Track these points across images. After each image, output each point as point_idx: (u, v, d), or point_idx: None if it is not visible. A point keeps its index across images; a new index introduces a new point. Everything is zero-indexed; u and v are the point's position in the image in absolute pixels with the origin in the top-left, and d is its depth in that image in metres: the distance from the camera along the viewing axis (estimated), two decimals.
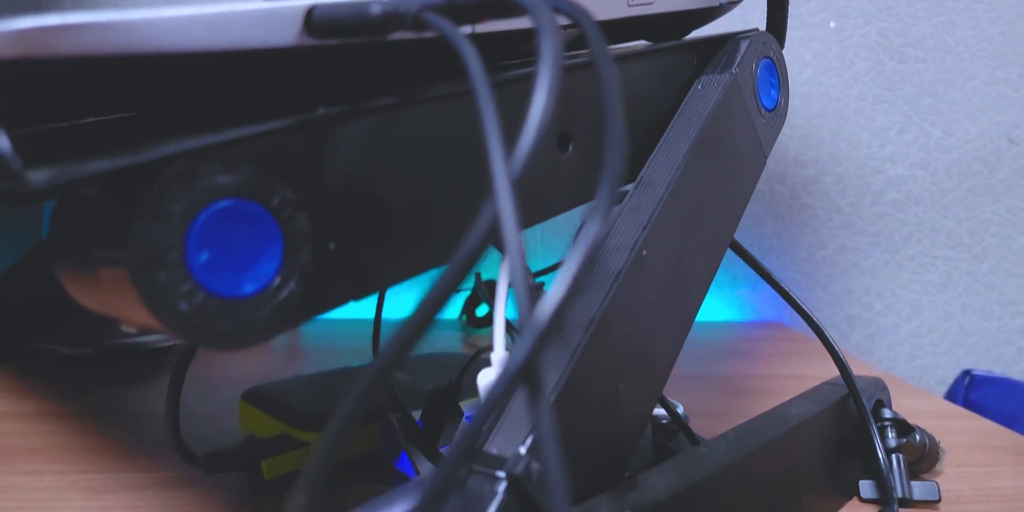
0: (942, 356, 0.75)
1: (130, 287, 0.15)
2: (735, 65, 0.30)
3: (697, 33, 0.34)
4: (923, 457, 0.34)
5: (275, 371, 0.50)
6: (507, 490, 0.17)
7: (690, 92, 0.30)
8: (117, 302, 0.16)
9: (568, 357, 0.21)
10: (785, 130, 0.71)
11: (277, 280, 0.17)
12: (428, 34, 0.18)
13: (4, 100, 0.15)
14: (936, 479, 0.33)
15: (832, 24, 0.72)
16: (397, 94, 0.20)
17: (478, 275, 0.50)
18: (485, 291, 0.43)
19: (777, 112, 0.32)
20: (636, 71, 0.28)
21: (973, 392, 0.67)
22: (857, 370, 0.34)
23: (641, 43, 0.33)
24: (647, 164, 0.27)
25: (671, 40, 0.31)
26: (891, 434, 0.33)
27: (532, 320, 0.13)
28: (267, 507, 0.31)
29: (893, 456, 0.32)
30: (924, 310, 0.74)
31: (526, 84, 0.23)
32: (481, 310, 0.64)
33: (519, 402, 0.20)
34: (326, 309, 0.19)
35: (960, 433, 0.41)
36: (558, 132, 0.25)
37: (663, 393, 0.27)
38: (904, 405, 0.39)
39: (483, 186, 0.22)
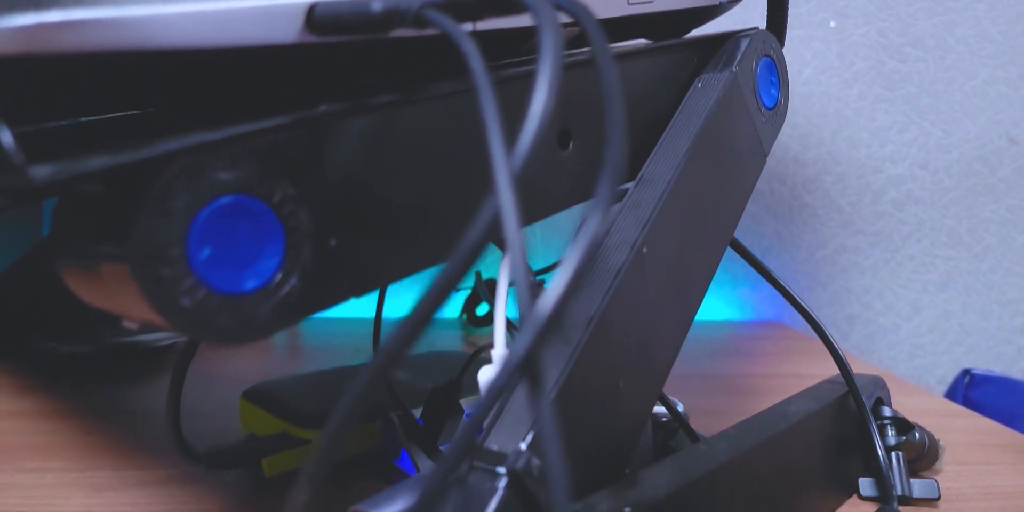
0: (942, 355, 0.75)
1: (132, 283, 0.15)
2: (735, 63, 0.30)
3: (697, 32, 0.34)
4: (923, 455, 0.34)
5: (275, 370, 0.51)
6: (508, 486, 0.17)
7: (690, 90, 0.30)
8: (119, 298, 0.16)
9: (568, 354, 0.21)
10: (785, 129, 0.71)
11: (278, 276, 0.17)
12: (429, 31, 0.18)
13: (6, 97, 0.15)
14: (936, 477, 0.33)
15: (832, 23, 0.72)
16: (398, 91, 0.20)
17: (478, 274, 0.50)
18: (485, 290, 0.43)
19: (777, 110, 0.32)
20: (636, 69, 0.28)
21: (973, 391, 0.67)
22: (857, 369, 0.34)
23: (641, 42, 0.33)
24: (647, 162, 0.27)
25: (671, 39, 0.31)
26: (891, 432, 0.33)
27: (533, 314, 0.13)
28: (268, 505, 0.31)
29: (893, 454, 0.32)
30: (924, 309, 0.75)
31: (526, 82, 0.23)
32: (481, 309, 0.64)
33: (519, 399, 0.20)
34: (327, 305, 0.19)
35: (960, 431, 0.41)
36: (558, 130, 0.25)
37: (663, 391, 0.27)
38: (904, 404, 0.39)
39: (484, 183, 0.22)
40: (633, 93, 0.28)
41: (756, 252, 0.33)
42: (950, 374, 0.73)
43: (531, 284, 0.14)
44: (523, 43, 0.26)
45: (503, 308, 0.20)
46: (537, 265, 0.50)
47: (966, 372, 0.69)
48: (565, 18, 0.17)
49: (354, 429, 0.32)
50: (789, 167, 0.72)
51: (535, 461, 0.18)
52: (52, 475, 0.32)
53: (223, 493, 0.31)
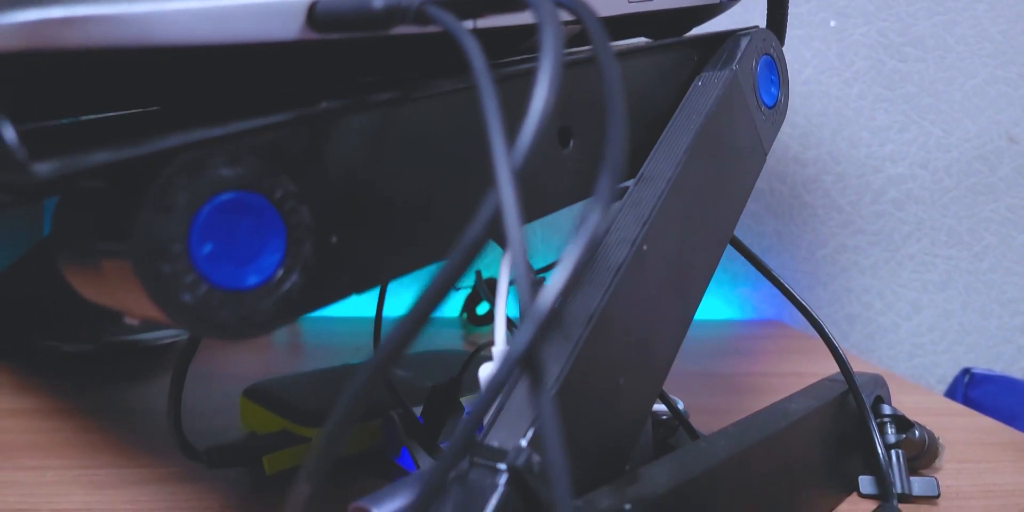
0: (942, 355, 0.75)
1: (134, 279, 0.15)
2: (735, 62, 0.30)
3: (697, 30, 0.34)
4: (922, 453, 0.34)
5: (276, 368, 0.51)
6: (508, 482, 0.17)
7: (690, 89, 0.30)
8: (121, 294, 0.16)
9: (569, 351, 0.21)
10: (785, 129, 0.72)
11: (280, 272, 0.18)
12: (430, 28, 0.18)
13: (9, 93, 0.15)
14: (935, 475, 0.33)
15: (832, 23, 0.72)
16: (399, 89, 0.20)
17: (479, 273, 0.50)
18: (486, 288, 0.43)
19: (777, 109, 0.32)
20: (637, 67, 0.28)
21: (973, 390, 0.67)
22: (857, 368, 0.34)
23: (641, 40, 0.33)
24: (648, 160, 0.27)
25: (671, 37, 0.31)
26: (890, 430, 0.33)
27: (533, 308, 0.13)
28: (268, 502, 0.31)
29: (892, 452, 0.32)
30: (924, 309, 0.75)
31: (527, 80, 0.23)
32: (482, 308, 0.64)
33: (519, 396, 0.20)
34: (328, 302, 0.19)
35: (959, 430, 0.42)
36: (559, 127, 0.25)
37: (664, 389, 0.27)
38: (904, 402, 0.39)
39: (485, 180, 0.22)
40: (633, 91, 0.28)
41: (756, 251, 0.33)
42: (950, 373, 0.74)
43: (532, 279, 0.14)
44: (522, 42, 0.26)
45: (504, 305, 0.20)
46: (538, 264, 0.50)
47: (966, 371, 0.69)
48: (566, 16, 0.18)
49: (354, 427, 0.33)
50: (789, 166, 0.72)
51: (535, 457, 0.18)
52: (53, 473, 0.32)
53: (224, 491, 0.31)
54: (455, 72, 0.22)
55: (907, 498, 0.31)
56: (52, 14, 0.14)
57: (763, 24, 0.34)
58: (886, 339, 0.74)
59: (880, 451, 0.32)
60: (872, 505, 0.31)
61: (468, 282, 0.61)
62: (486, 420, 0.20)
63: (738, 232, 0.30)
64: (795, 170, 0.72)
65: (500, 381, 0.14)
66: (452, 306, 0.66)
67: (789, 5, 0.34)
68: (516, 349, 0.13)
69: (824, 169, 0.73)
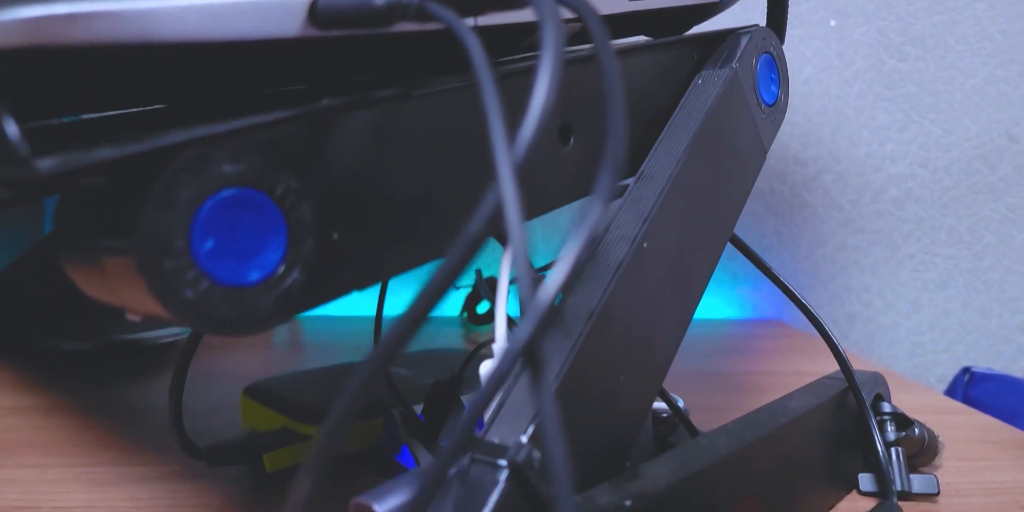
0: (942, 354, 0.75)
1: (136, 275, 0.15)
2: (735, 60, 0.30)
3: (697, 29, 0.34)
4: (922, 451, 0.34)
5: (277, 367, 0.51)
6: (509, 478, 0.17)
7: (691, 87, 0.30)
8: (123, 290, 0.16)
9: (569, 348, 0.21)
10: (785, 128, 0.72)
11: (281, 269, 0.18)
12: (431, 25, 0.18)
13: (12, 89, 0.15)
14: (935, 472, 0.33)
15: (832, 22, 0.72)
16: (400, 85, 0.20)
17: (479, 272, 0.50)
18: (486, 287, 0.43)
19: (777, 107, 0.32)
20: (637, 65, 0.28)
21: (973, 389, 0.67)
22: (857, 367, 0.34)
23: (641, 39, 0.33)
24: (648, 158, 0.27)
25: (671, 36, 0.31)
26: (890, 428, 0.33)
27: (534, 301, 0.13)
28: (269, 500, 0.31)
29: (892, 449, 0.32)
30: (924, 308, 0.75)
31: (527, 77, 0.23)
32: (482, 307, 0.64)
33: (520, 392, 0.20)
34: (329, 298, 0.19)
35: (959, 428, 0.42)
36: (559, 125, 0.25)
37: (664, 387, 0.27)
38: (903, 400, 0.39)
39: (486, 178, 0.22)
40: (634, 89, 0.28)
41: (756, 250, 0.33)
42: (950, 372, 0.74)
43: (533, 274, 0.14)
44: (523, 40, 0.26)
45: (504, 303, 0.20)
46: (538, 263, 0.50)
47: (966, 370, 0.69)
48: (567, 13, 0.18)
49: (355, 425, 0.33)
50: (789, 165, 0.72)
51: (536, 454, 0.18)
52: (54, 471, 0.32)
53: (225, 488, 0.31)
54: (456, 70, 0.22)
55: (907, 496, 0.31)
56: (55, 10, 0.14)
57: (763, 23, 0.34)
58: (886, 338, 0.75)
59: (880, 449, 0.32)
60: (872, 502, 0.31)
61: (468, 281, 0.61)
62: (487, 417, 0.20)
63: (738, 231, 0.30)
64: (795, 169, 0.73)
65: (501, 374, 0.14)
66: (453, 305, 0.66)
67: (789, 4, 0.34)
68: (517, 342, 0.13)
69: (824, 168, 0.73)
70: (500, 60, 0.27)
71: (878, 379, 0.36)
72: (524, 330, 0.13)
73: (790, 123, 0.72)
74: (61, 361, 0.48)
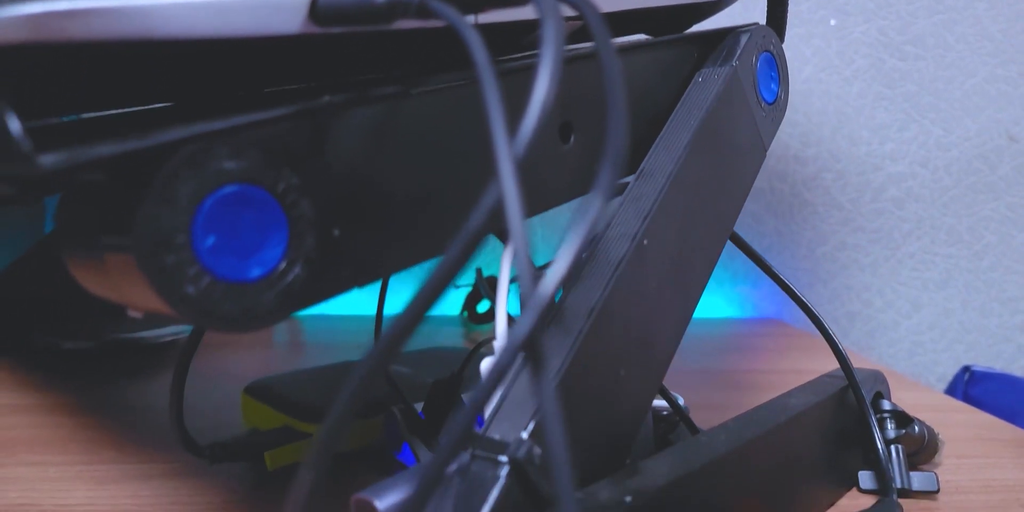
0: (942, 353, 0.75)
1: (138, 271, 0.15)
2: (735, 58, 0.30)
3: (698, 27, 0.34)
4: (922, 448, 0.34)
5: (277, 366, 0.51)
6: (509, 475, 0.18)
7: (691, 85, 0.30)
8: (124, 287, 0.16)
9: (569, 344, 0.21)
10: (785, 127, 0.72)
11: (282, 265, 0.18)
12: (432, 23, 0.18)
13: (14, 85, 0.15)
14: (935, 470, 0.33)
15: (832, 21, 0.72)
16: (401, 83, 0.20)
17: (479, 270, 0.50)
18: (486, 286, 0.43)
19: (777, 105, 0.32)
20: (637, 63, 0.28)
21: (973, 388, 0.67)
22: (857, 365, 0.34)
23: (641, 37, 0.33)
24: (648, 156, 0.27)
25: (672, 34, 0.31)
26: (890, 425, 0.33)
27: (535, 295, 0.13)
28: (270, 498, 0.31)
29: (892, 447, 0.32)
30: (924, 307, 0.75)
31: (528, 75, 0.23)
32: (482, 306, 0.64)
33: (520, 388, 0.20)
34: (330, 295, 0.19)
35: (959, 426, 0.42)
36: (560, 123, 0.25)
37: (664, 385, 0.27)
38: (903, 399, 0.39)
39: (487, 175, 0.22)
40: (634, 87, 0.28)
41: (757, 249, 0.33)
42: (950, 371, 0.74)
43: (533, 269, 0.14)
44: (523, 38, 0.26)
45: (505, 301, 0.20)
46: (538, 262, 0.50)
47: (966, 369, 0.69)
48: (568, 11, 0.18)
49: (355, 423, 0.33)
50: (789, 165, 0.72)
51: (536, 450, 0.18)
52: (55, 469, 0.32)
53: (226, 486, 0.31)
54: (457, 67, 0.22)
55: (907, 493, 0.31)
56: (56, 6, 0.14)
57: (763, 22, 0.34)
58: (886, 337, 0.75)
59: (880, 446, 0.32)
60: (872, 500, 0.31)
61: (469, 280, 0.61)
62: (487, 413, 0.20)
63: (738, 230, 0.30)
64: (795, 168, 0.73)
65: (502, 368, 0.14)
66: (453, 304, 0.66)
67: (789, 3, 0.34)
68: (518, 336, 0.13)
69: (824, 167, 0.73)
70: (501, 58, 0.27)
71: (878, 377, 0.36)
72: (525, 324, 0.13)
73: (790, 122, 0.72)
74: (61, 360, 0.48)
